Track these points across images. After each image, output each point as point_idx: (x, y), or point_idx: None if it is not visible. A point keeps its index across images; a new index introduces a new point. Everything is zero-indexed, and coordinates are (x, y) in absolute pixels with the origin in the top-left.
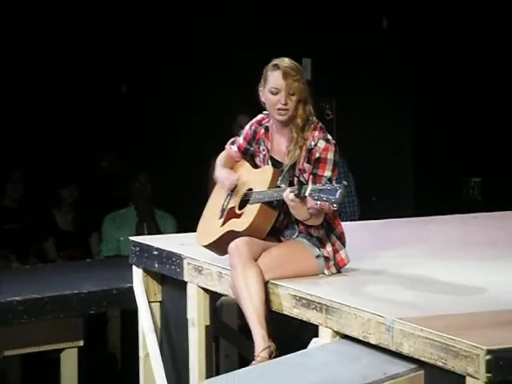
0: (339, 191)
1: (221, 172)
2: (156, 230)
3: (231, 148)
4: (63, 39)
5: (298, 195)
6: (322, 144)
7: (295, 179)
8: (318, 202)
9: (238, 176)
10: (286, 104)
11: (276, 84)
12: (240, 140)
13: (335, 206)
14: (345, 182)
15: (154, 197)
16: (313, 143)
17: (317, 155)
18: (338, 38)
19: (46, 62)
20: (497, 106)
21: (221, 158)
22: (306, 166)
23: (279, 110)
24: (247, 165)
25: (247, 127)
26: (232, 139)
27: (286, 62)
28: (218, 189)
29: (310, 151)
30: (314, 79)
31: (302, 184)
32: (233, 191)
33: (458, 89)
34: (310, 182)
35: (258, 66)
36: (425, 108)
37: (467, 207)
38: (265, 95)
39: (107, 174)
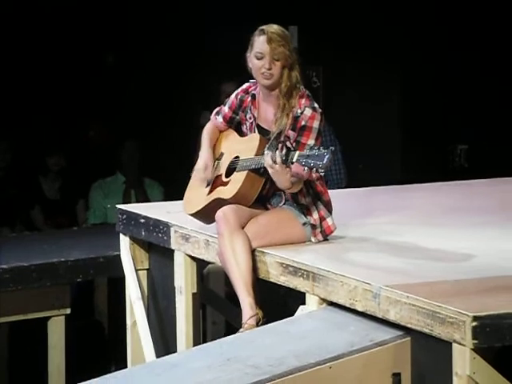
0: (327, 156)
1: (203, 150)
2: (144, 198)
3: (216, 118)
4: (50, 7)
5: (285, 161)
6: (308, 112)
7: (282, 146)
8: (306, 168)
9: (209, 172)
10: (270, 69)
11: (261, 49)
12: (225, 109)
13: (322, 171)
14: (332, 148)
15: (142, 165)
16: (299, 111)
17: (302, 123)
18: (324, 5)
19: (32, 30)
20: (484, 74)
21: (207, 131)
22: (291, 133)
23: (263, 74)
24: (234, 133)
25: (233, 96)
26: (217, 109)
27: (273, 27)
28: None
29: (296, 119)
30: (301, 47)
31: (289, 150)
32: (219, 159)
33: (446, 55)
34: (297, 151)
35: (247, 37)
36: (412, 75)
37: (454, 174)
38: (251, 60)
39: (94, 142)
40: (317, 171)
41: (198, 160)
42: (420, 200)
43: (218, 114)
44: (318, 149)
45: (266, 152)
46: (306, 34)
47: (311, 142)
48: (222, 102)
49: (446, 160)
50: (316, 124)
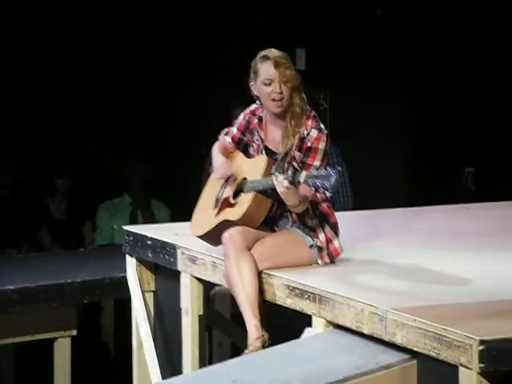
0: (334, 177)
1: (218, 159)
2: (151, 219)
3: (225, 139)
4: (58, 26)
5: (292, 182)
6: (314, 133)
7: (289, 167)
8: (313, 189)
9: (233, 168)
10: (281, 92)
11: (268, 75)
12: (234, 130)
13: (330, 191)
14: (339, 168)
15: (148, 186)
16: (305, 132)
17: (308, 144)
18: (331, 28)
19: (41, 49)
20: (492, 96)
21: (216, 149)
22: (297, 154)
23: (274, 100)
24: (241, 155)
25: (241, 117)
26: (225, 130)
27: (274, 51)
28: (213, 179)
29: (302, 140)
30: (308, 69)
31: (295, 171)
32: (227, 181)
33: (453, 78)
34: (303, 171)
35: (250, 59)
36: (419, 98)
37: (461, 197)
38: (257, 88)
39: (100, 162)
40: (324, 192)
41: (214, 163)
42: (426, 223)
43: (226, 134)
44: (325, 169)
45: (273, 173)
46: (314, 56)
47: (317, 163)
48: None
49: (453, 183)
50: (322, 145)
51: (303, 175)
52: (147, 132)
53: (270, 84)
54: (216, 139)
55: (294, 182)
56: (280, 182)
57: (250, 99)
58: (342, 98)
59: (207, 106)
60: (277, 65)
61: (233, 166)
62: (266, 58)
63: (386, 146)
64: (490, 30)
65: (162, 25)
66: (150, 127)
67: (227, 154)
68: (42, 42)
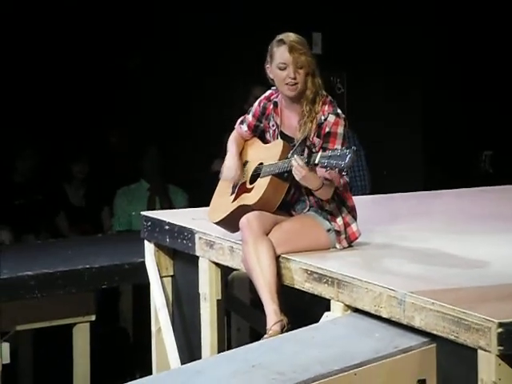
0: (349, 156)
1: (230, 158)
2: (168, 205)
3: (241, 128)
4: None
5: (307, 163)
6: (331, 118)
7: (306, 152)
8: (327, 169)
9: (239, 175)
10: (294, 78)
11: (283, 59)
12: (249, 118)
13: (345, 171)
14: (354, 147)
15: (165, 171)
16: (323, 117)
17: (327, 129)
18: (347, 12)
19: (58, 36)
20: (509, 79)
21: (232, 140)
22: (316, 140)
23: (288, 84)
24: (258, 141)
25: (256, 104)
26: (241, 118)
27: (291, 36)
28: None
29: (319, 125)
30: (325, 53)
31: (311, 152)
32: (244, 166)
33: (470, 61)
34: (319, 152)
35: (270, 42)
36: (436, 81)
37: (478, 180)
38: (273, 72)
39: (116, 148)
40: (340, 172)
41: (225, 162)
42: (443, 206)
43: (242, 123)
44: (340, 149)
45: (290, 157)
46: (330, 40)
47: (338, 147)
48: (250, 104)
49: (471, 166)
50: (340, 129)
51: (318, 156)
52: (163, 117)
53: (284, 68)
54: (233, 125)
55: (310, 164)
56: (294, 163)
57: (268, 84)
58: (359, 82)
59: (224, 91)
60: (292, 50)
61: (240, 170)
62: (281, 42)
63: (402, 129)
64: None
65: (178, 10)
66: (167, 112)
67: (244, 142)
68: (62, 32)
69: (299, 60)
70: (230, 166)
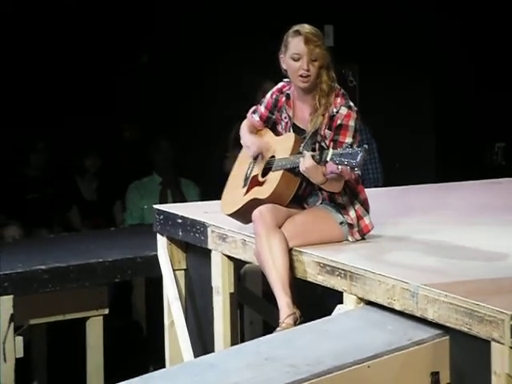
0: (360, 154)
1: (247, 137)
2: (180, 198)
3: (253, 117)
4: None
5: (319, 161)
6: (343, 111)
7: (317, 146)
8: (340, 167)
9: (264, 142)
10: (308, 70)
11: (297, 50)
12: (261, 109)
13: (356, 169)
14: (366, 146)
15: (178, 165)
16: (335, 110)
17: (338, 122)
18: (360, 4)
19: (69, 32)
20: None
21: (244, 127)
22: (327, 132)
23: (301, 76)
24: (270, 133)
25: (268, 95)
26: (253, 108)
27: (306, 27)
28: (242, 157)
29: (331, 118)
30: (337, 46)
31: (323, 149)
32: (256, 159)
33: (483, 52)
34: (330, 148)
35: (281, 33)
36: (447, 73)
37: (491, 172)
38: (286, 62)
39: (129, 142)
40: (351, 170)
41: (243, 141)
42: (456, 198)
43: (254, 112)
44: (352, 147)
45: (301, 152)
46: (342, 32)
47: (349, 140)
48: (260, 99)
49: (483, 158)
50: (352, 122)
51: (330, 153)
52: (176, 111)
53: (298, 60)
54: (243, 118)
55: (322, 161)
56: (303, 162)
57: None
58: (371, 74)
59: (235, 83)
60: (307, 41)
61: (263, 141)
62: (297, 32)
63: (414, 121)
64: None
65: (178, 10)
66: (179, 106)
67: (255, 132)
68: (75, 29)
69: (314, 52)
70: (251, 143)
